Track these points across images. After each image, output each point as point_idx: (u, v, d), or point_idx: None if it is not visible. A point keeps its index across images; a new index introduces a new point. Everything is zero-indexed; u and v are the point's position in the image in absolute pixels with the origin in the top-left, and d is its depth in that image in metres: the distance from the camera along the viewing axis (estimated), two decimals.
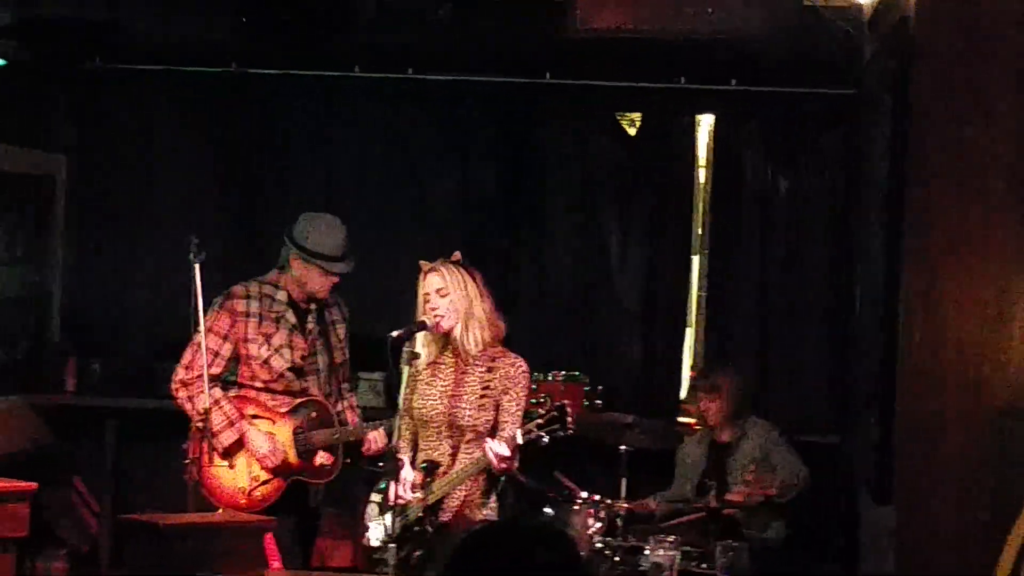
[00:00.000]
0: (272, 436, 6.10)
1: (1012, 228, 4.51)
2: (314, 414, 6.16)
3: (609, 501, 6.48)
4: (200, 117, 8.39)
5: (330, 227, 6.18)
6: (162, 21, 7.53)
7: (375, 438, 6.07)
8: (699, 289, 8.49)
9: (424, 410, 5.35)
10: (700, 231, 8.44)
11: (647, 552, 5.95)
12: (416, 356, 5.35)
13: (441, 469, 5.29)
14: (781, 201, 8.13)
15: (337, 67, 8.14)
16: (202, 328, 5.91)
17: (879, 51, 6.05)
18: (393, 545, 5.12)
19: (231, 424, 6.06)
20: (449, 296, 5.31)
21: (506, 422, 5.28)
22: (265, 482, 6.10)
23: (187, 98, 8.34)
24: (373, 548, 5.36)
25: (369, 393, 7.95)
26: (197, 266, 5.88)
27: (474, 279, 5.37)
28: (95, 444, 8.02)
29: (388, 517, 5.25)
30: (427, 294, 5.34)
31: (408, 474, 5.34)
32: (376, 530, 5.36)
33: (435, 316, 5.30)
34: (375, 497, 5.41)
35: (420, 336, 5.37)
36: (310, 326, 6.21)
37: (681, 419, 7.96)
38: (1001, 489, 4.21)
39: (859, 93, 7.39)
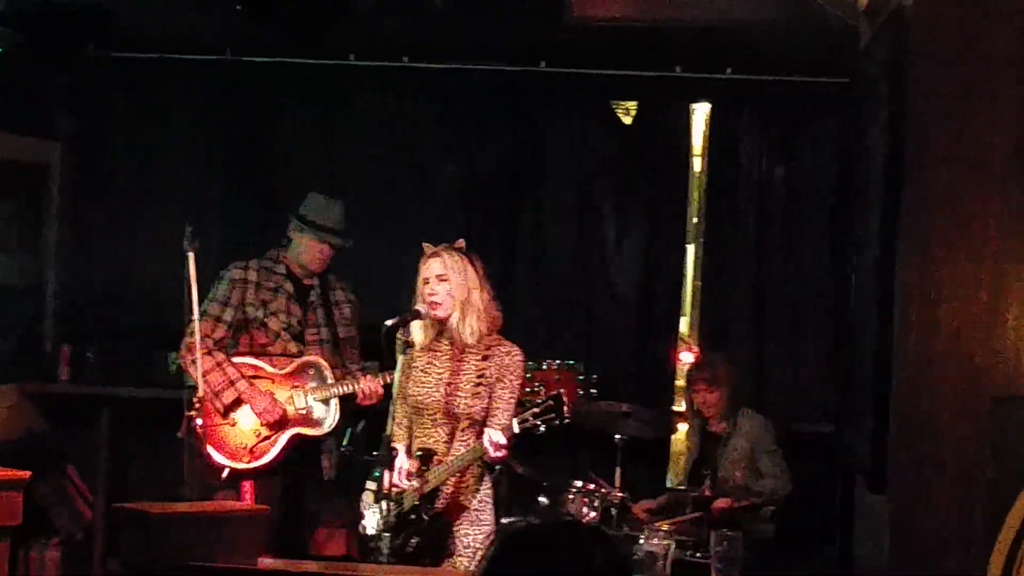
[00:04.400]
0: (271, 394, 6.32)
1: (1009, 216, 4.50)
2: (312, 371, 6.38)
3: (622, 495, 6.50)
4: (196, 105, 8.35)
5: (328, 202, 6.56)
6: (158, 8, 7.50)
7: (366, 388, 6.28)
8: (694, 278, 8.48)
9: (420, 398, 5.35)
10: (696, 220, 8.43)
11: (642, 541, 5.94)
12: (411, 345, 5.35)
13: (437, 457, 5.29)
14: (777, 190, 8.12)
15: (333, 55, 8.11)
16: (196, 312, 6.02)
17: (875, 39, 6.03)
18: (388, 533, 5.11)
19: (231, 384, 6.30)
20: (448, 283, 5.31)
21: (498, 409, 5.28)
22: (266, 437, 6.33)
23: (183, 86, 8.30)
24: (368, 536, 5.36)
25: None
26: (191, 254, 5.96)
27: (475, 267, 5.38)
28: (89, 432, 8.01)
29: (384, 505, 5.25)
30: (427, 279, 5.34)
31: (403, 462, 5.34)
32: (371, 518, 5.36)
33: (432, 302, 5.30)
34: (370, 485, 5.39)
35: (416, 324, 5.37)
36: (312, 299, 6.47)
37: (676, 408, 7.97)
38: (997, 477, 4.20)
39: (855, 81, 7.37)
